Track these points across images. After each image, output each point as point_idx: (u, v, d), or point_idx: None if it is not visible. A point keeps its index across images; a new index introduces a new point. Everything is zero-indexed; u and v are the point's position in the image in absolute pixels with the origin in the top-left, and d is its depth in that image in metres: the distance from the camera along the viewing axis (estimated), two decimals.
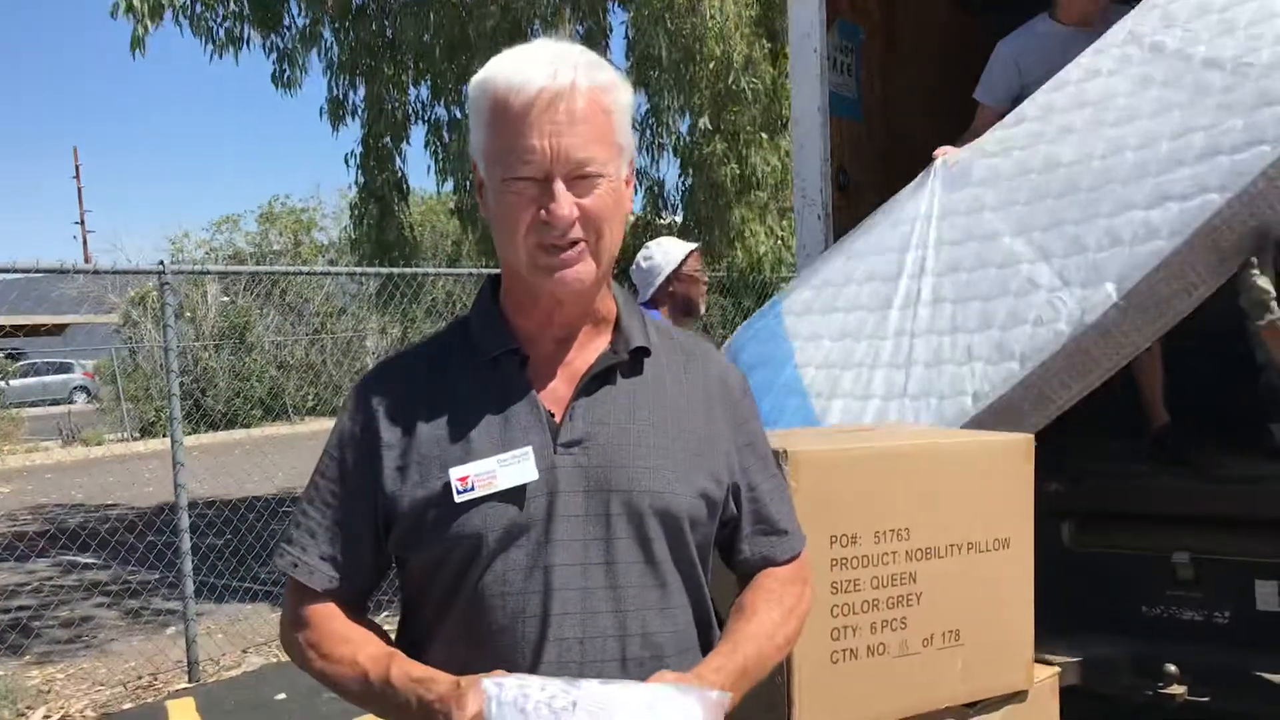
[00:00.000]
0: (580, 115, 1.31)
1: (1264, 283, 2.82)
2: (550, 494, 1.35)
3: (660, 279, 4.19)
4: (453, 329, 1.49)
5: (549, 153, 1.30)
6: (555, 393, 1.41)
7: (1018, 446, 2.15)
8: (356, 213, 9.45)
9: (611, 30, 8.45)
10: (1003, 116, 3.73)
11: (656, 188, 8.97)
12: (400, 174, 9.37)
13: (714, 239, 7.87)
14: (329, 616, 1.42)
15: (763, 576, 1.52)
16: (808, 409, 3.12)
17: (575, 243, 1.34)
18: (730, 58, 6.89)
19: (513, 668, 1.31)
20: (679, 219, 8.94)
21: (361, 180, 9.28)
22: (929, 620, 2.01)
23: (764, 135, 7.49)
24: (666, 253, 4.24)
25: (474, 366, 1.41)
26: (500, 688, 1.21)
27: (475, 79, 1.35)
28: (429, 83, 9.21)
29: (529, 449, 1.36)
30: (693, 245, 4.35)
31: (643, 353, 1.44)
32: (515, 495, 1.34)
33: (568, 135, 1.30)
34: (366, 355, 19.08)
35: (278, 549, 1.47)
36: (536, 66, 1.31)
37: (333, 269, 12.69)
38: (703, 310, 4.34)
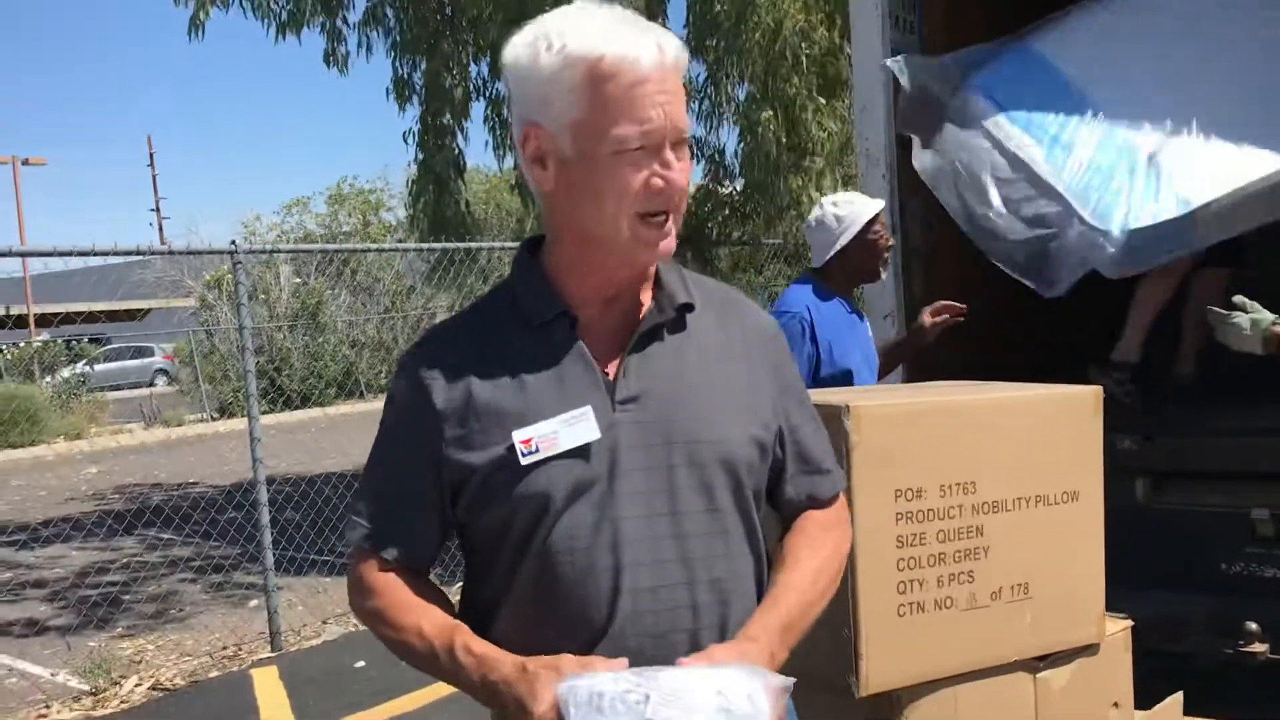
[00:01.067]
0: (677, 87, 1.37)
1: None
2: (612, 450, 1.38)
3: (845, 240, 3.48)
4: (496, 296, 1.51)
5: (664, 121, 1.33)
6: (608, 352, 1.43)
7: (1085, 399, 2.12)
8: (414, 190, 9.51)
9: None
10: None
11: (717, 155, 8.92)
12: (458, 151, 9.41)
13: (767, 207, 7.81)
14: (395, 585, 1.44)
15: (804, 520, 1.54)
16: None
17: (667, 214, 1.39)
18: (781, 23, 6.81)
19: (587, 622, 1.36)
20: (738, 187, 8.88)
21: (420, 158, 9.33)
22: (997, 573, 2.00)
23: (821, 100, 7.40)
24: (856, 212, 3.50)
25: (526, 330, 1.43)
26: (573, 690, 1.22)
27: (557, 48, 1.33)
28: (488, 58, 9.22)
29: (588, 408, 1.38)
30: (880, 204, 3.62)
31: (686, 308, 1.47)
32: (579, 454, 1.37)
33: (674, 105, 1.35)
34: None
35: (347, 521, 1.50)
36: (638, 39, 1.33)
37: (391, 246, 12.80)
38: (882, 277, 3.67)
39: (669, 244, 1.39)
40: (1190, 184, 3.32)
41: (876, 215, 3.52)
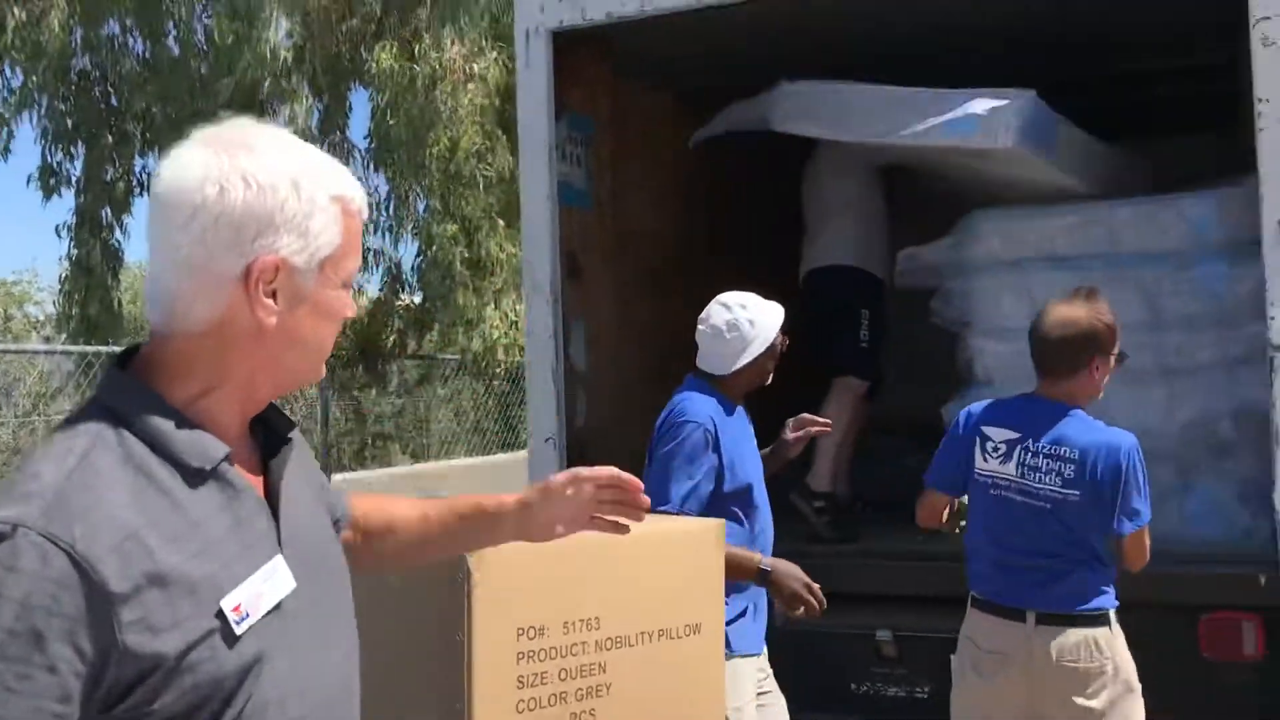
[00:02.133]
0: None
1: None
2: (295, 595, 1.30)
3: (759, 349, 3.15)
4: (111, 436, 1.24)
5: None
6: (256, 488, 1.34)
7: (708, 532, 2.18)
8: (66, 287, 8.87)
9: (352, 109, 8.36)
10: None
11: (395, 268, 8.87)
12: (116, 247, 8.90)
13: (445, 320, 7.84)
14: None
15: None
16: None
17: None
18: (459, 144, 6.94)
19: None
20: (417, 299, 8.86)
21: (73, 253, 8.73)
22: (619, 711, 1.99)
23: (501, 222, 7.54)
24: (769, 320, 3.20)
25: (189, 478, 1.24)
26: None
27: (317, 174, 1.30)
28: (156, 153, 8.80)
29: (280, 557, 1.28)
30: (780, 309, 3.29)
31: (288, 425, 1.42)
32: (278, 609, 1.27)
33: None
34: None
35: None
36: (353, 177, 1.37)
37: (43, 347, 11.80)
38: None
39: None
40: None
41: (783, 320, 3.25)
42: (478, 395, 17.29)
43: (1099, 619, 2.88)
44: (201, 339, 1.27)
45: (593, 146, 4.64)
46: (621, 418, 4.66)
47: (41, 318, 25.59)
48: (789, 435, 3.48)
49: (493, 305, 7.42)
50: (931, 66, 4.93)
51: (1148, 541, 2.92)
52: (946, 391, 4.23)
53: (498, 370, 12.44)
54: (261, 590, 1.24)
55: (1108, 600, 2.91)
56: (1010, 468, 2.97)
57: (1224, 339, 3.67)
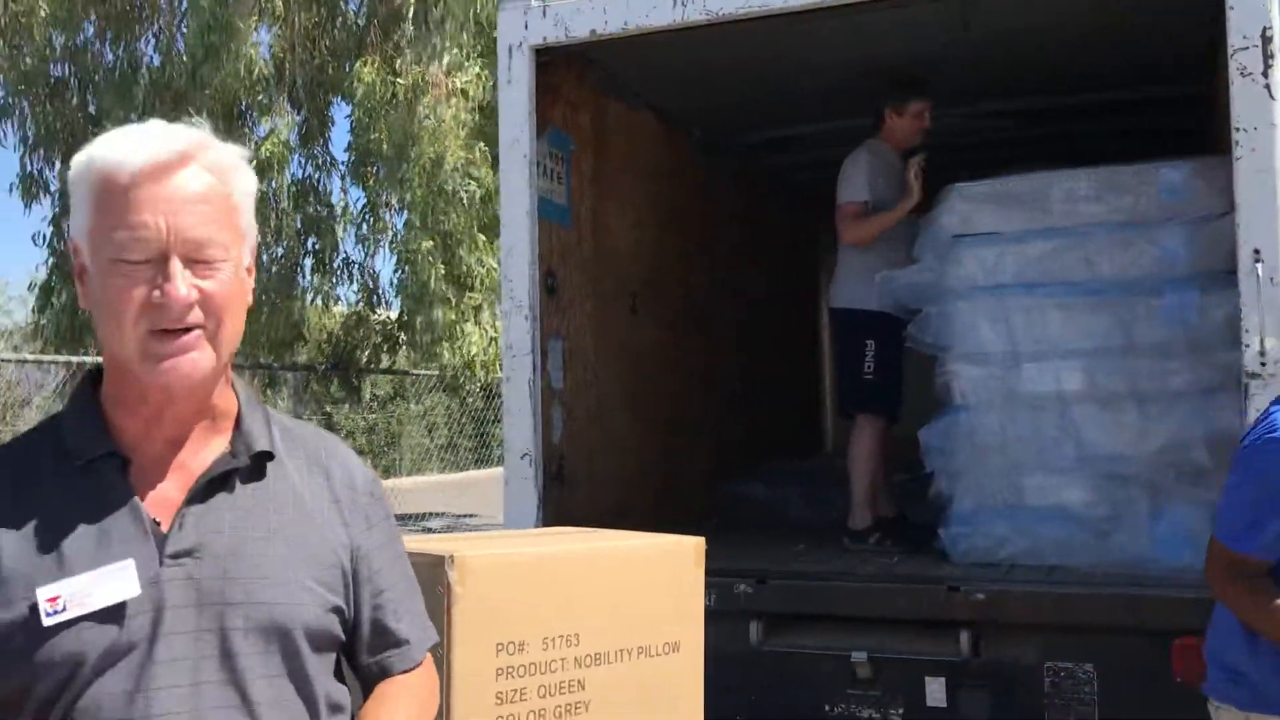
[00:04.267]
0: (198, 194, 1.26)
1: None
2: (156, 610, 1.23)
3: None
4: (43, 430, 1.33)
5: (163, 230, 1.23)
6: (165, 499, 1.29)
7: (689, 550, 2.17)
8: (43, 296, 8.79)
9: (334, 123, 8.33)
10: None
11: (371, 281, 8.84)
12: None
13: (423, 336, 7.80)
14: None
15: (385, 686, 1.44)
16: None
17: (191, 329, 1.26)
18: (443, 158, 6.93)
19: None
20: (394, 314, 8.82)
21: (51, 261, 8.66)
22: None
23: (482, 237, 7.53)
24: None
25: (67, 473, 1.26)
26: None
27: (77, 156, 1.27)
28: None
29: (130, 562, 1.23)
30: None
31: (265, 457, 1.36)
32: (114, 614, 1.21)
33: (184, 213, 1.24)
34: None
35: None
36: (146, 142, 1.25)
37: (12, 355, 11.67)
38: None
39: (189, 360, 1.26)
40: None
41: None
42: (451, 411, 17.24)
43: None
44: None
45: (574, 164, 4.65)
46: (598, 436, 4.67)
47: (10, 326, 25.38)
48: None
49: (471, 321, 7.40)
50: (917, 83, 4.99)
51: None
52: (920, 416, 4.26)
53: (473, 387, 12.41)
54: (91, 589, 1.21)
55: None
56: None
57: (1197, 365, 3.71)
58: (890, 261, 4.55)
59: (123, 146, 1.25)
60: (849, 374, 4.74)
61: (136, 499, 1.27)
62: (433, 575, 1.82)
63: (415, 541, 2.09)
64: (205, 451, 1.34)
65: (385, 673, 1.44)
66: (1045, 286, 3.97)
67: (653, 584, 2.10)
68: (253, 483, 1.34)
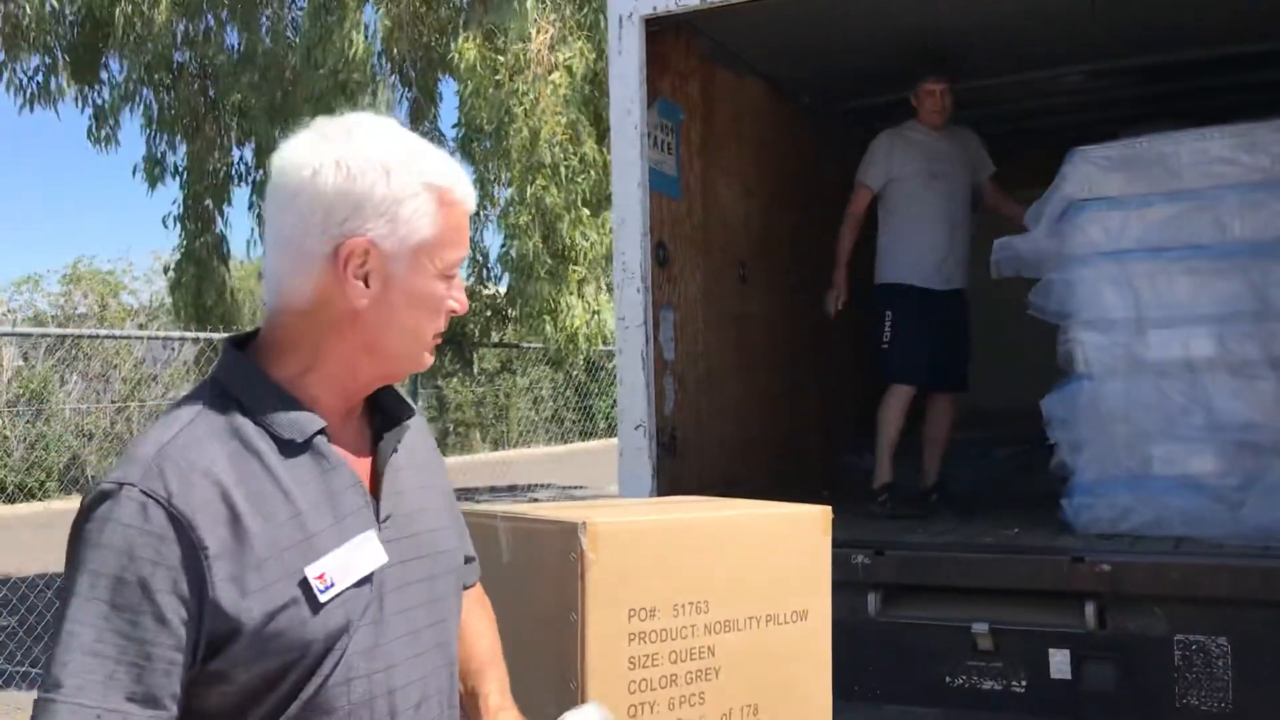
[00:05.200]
0: None
1: None
2: (382, 571, 1.34)
3: None
4: (216, 407, 1.31)
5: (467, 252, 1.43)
6: (358, 467, 1.39)
7: (815, 518, 2.17)
8: (173, 275, 9.10)
9: (442, 99, 8.45)
10: (875, 199, 4.89)
11: (481, 258, 8.95)
12: (221, 236, 9.11)
13: (527, 310, 7.88)
14: None
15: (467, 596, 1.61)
16: None
17: None
18: (539, 133, 6.97)
19: None
20: (502, 289, 8.93)
21: (182, 242, 8.96)
22: (727, 694, 1.99)
23: (585, 211, 7.56)
24: None
25: (286, 450, 1.30)
26: None
27: (413, 171, 1.33)
28: (253, 144, 8.98)
29: (372, 532, 1.34)
30: None
31: (409, 415, 1.47)
32: (364, 580, 1.32)
33: None
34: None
35: (50, 707, 1.16)
36: (467, 176, 1.41)
37: (139, 333, 12.16)
38: None
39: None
40: None
41: None
42: (556, 384, 17.42)
43: None
44: (301, 318, 1.34)
45: (683, 134, 4.63)
46: (708, 406, 4.68)
47: (135, 306, 26.39)
48: None
49: (575, 294, 7.45)
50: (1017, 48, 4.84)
51: None
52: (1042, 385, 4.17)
53: (576, 360, 12.50)
54: (349, 562, 1.29)
55: None
56: None
57: None
58: (913, 237, 4.87)
59: (455, 171, 1.38)
60: (872, 343, 5.04)
61: (355, 472, 1.36)
62: (565, 542, 1.86)
63: (544, 509, 2.13)
64: (363, 422, 1.44)
65: (465, 587, 1.60)
66: (1173, 250, 3.84)
67: (780, 552, 2.11)
68: (393, 430, 1.44)
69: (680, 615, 1.94)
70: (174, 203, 9.11)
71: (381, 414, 1.44)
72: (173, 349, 16.43)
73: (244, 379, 1.33)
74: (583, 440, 16.33)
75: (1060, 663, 3.52)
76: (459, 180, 1.37)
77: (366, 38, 7.57)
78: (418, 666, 1.38)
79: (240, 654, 1.22)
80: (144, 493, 1.20)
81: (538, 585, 1.91)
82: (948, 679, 3.64)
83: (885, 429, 4.90)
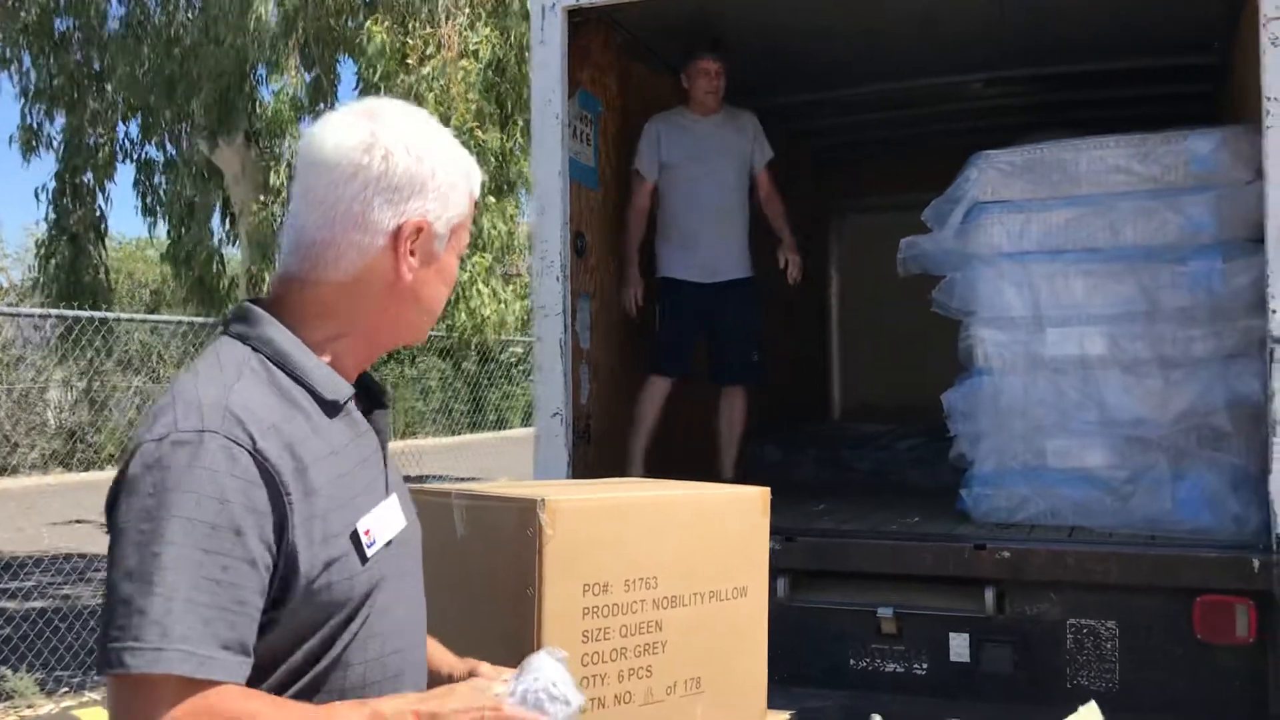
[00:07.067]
0: None
1: None
2: (399, 536, 1.43)
3: None
4: (257, 364, 1.33)
5: None
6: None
7: (756, 499, 2.24)
8: (44, 252, 8.75)
9: (341, 80, 8.30)
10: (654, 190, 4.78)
11: None
12: (100, 213, 8.79)
13: None
14: (245, 695, 1.19)
15: None
16: None
17: None
18: (448, 120, 6.92)
19: (415, 687, 1.41)
20: None
21: (53, 217, 8.62)
22: (673, 668, 2.05)
23: (491, 199, 7.54)
24: None
25: (328, 410, 1.36)
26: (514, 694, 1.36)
27: (456, 151, 1.45)
28: (139, 119, 8.69)
29: (394, 496, 1.42)
30: None
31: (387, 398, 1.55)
32: (389, 543, 1.39)
33: None
34: (47, 409, 17.46)
35: (158, 656, 1.13)
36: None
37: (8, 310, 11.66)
38: None
39: None
40: None
41: None
42: (445, 375, 17.24)
43: None
44: (342, 287, 1.38)
45: (601, 126, 4.67)
46: (620, 395, 4.72)
47: (4, 284, 25.20)
48: None
49: (482, 281, 7.42)
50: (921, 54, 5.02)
51: None
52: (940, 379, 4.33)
53: (469, 352, 12.40)
54: (384, 521, 1.37)
55: None
56: None
57: (1219, 332, 3.78)
58: (681, 230, 4.80)
59: (470, 157, 1.49)
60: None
61: (377, 436, 1.44)
62: (522, 518, 1.88)
63: (497, 487, 2.15)
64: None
65: None
66: (1070, 253, 4.03)
67: (723, 531, 2.17)
68: (383, 409, 1.51)
69: (631, 590, 1.98)
70: (49, 175, 8.81)
71: (365, 391, 1.48)
72: (42, 329, 15.77)
73: (281, 339, 1.35)
74: (472, 432, 16.22)
75: (960, 646, 3.68)
76: (476, 168, 1.49)
77: (266, 16, 7.39)
78: (415, 630, 1.44)
79: (294, 604, 1.25)
80: (228, 439, 1.22)
81: (494, 560, 1.93)
82: (852, 661, 3.76)
83: (638, 422, 4.76)
